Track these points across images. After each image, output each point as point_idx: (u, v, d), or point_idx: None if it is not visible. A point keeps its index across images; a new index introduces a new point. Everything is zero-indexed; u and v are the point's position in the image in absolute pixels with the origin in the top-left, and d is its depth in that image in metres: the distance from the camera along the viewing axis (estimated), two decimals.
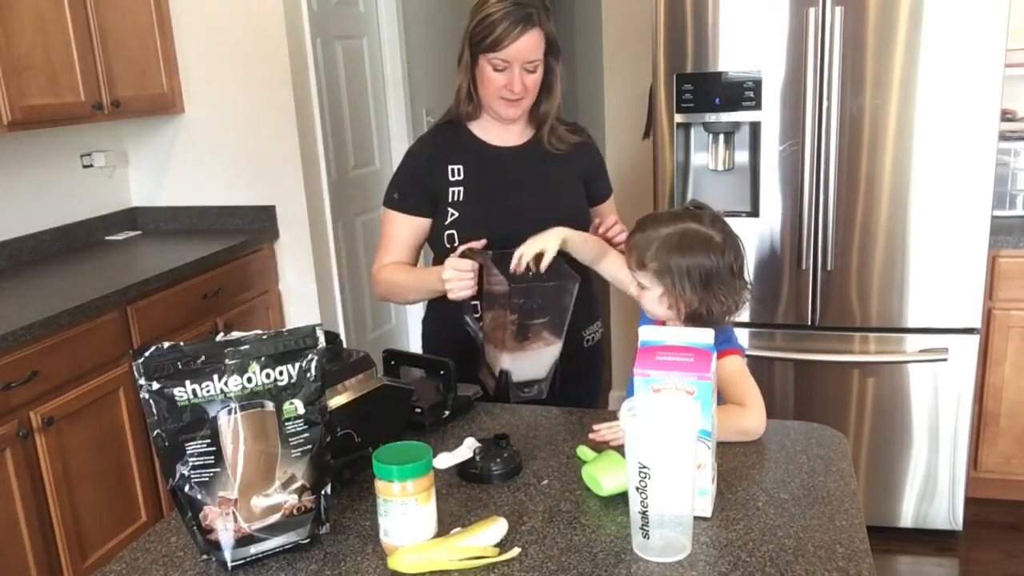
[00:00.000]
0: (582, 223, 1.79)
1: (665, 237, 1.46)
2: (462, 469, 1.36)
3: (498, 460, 1.34)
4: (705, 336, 1.22)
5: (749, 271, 2.62)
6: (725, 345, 1.47)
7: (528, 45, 1.69)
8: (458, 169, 1.81)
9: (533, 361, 1.63)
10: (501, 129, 1.85)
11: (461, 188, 1.81)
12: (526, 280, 1.55)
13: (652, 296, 1.48)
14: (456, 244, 1.78)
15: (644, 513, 1.09)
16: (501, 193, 1.82)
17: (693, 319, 1.47)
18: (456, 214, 1.81)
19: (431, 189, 1.81)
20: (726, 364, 1.46)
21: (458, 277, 1.63)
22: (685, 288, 1.44)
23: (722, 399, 1.44)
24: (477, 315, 1.74)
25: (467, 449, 1.39)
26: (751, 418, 1.42)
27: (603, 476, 1.25)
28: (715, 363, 1.19)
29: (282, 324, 3.53)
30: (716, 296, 1.46)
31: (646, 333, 1.24)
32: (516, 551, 1.13)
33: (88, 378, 2.53)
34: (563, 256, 1.61)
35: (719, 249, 1.46)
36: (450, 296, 1.65)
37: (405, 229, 1.86)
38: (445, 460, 1.38)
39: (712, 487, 1.20)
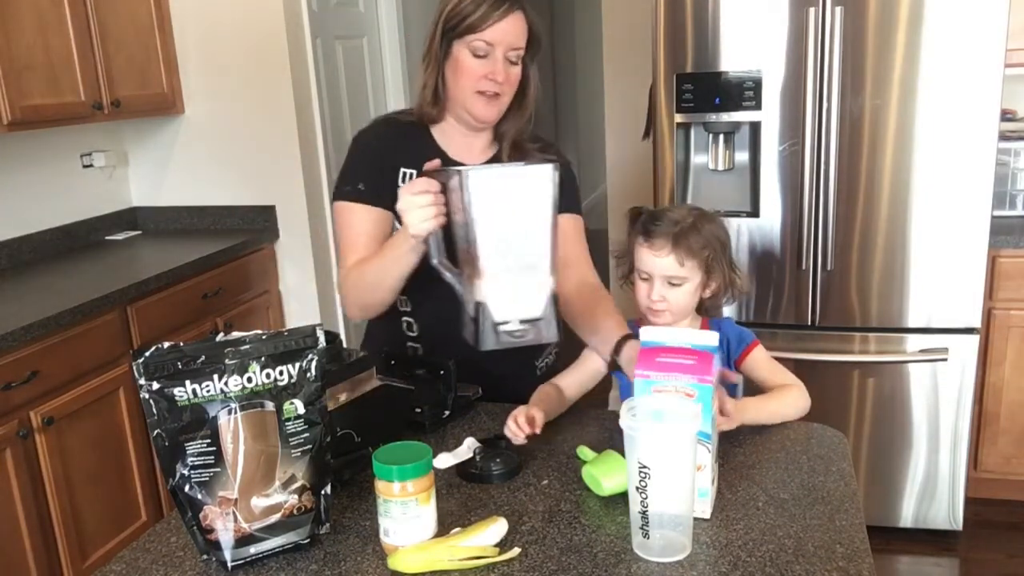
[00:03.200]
0: None
1: (696, 217, 1.49)
2: (462, 469, 1.35)
3: (498, 460, 1.34)
4: (708, 338, 1.21)
5: (749, 271, 2.65)
6: (749, 338, 1.56)
7: (514, 27, 1.53)
8: (411, 174, 1.61)
9: (518, 292, 1.26)
10: (463, 138, 1.66)
11: None
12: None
13: (688, 289, 1.49)
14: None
15: (644, 513, 1.09)
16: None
17: (718, 300, 1.53)
18: (399, 227, 1.56)
19: (388, 184, 1.61)
20: (758, 355, 1.55)
21: (415, 204, 1.33)
22: (723, 262, 1.50)
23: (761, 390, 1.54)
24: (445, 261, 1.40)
25: (467, 449, 1.39)
26: (804, 394, 1.50)
27: (604, 476, 1.25)
28: (717, 365, 1.19)
29: (282, 324, 3.54)
30: (735, 270, 1.54)
31: (647, 334, 1.23)
32: (516, 551, 1.13)
33: (88, 378, 2.53)
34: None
35: (723, 225, 1.55)
36: (413, 232, 1.35)
37: (371, 223, 1.61)
38: (445, 460, 1.38)
39: (712, 488, 1.20)
